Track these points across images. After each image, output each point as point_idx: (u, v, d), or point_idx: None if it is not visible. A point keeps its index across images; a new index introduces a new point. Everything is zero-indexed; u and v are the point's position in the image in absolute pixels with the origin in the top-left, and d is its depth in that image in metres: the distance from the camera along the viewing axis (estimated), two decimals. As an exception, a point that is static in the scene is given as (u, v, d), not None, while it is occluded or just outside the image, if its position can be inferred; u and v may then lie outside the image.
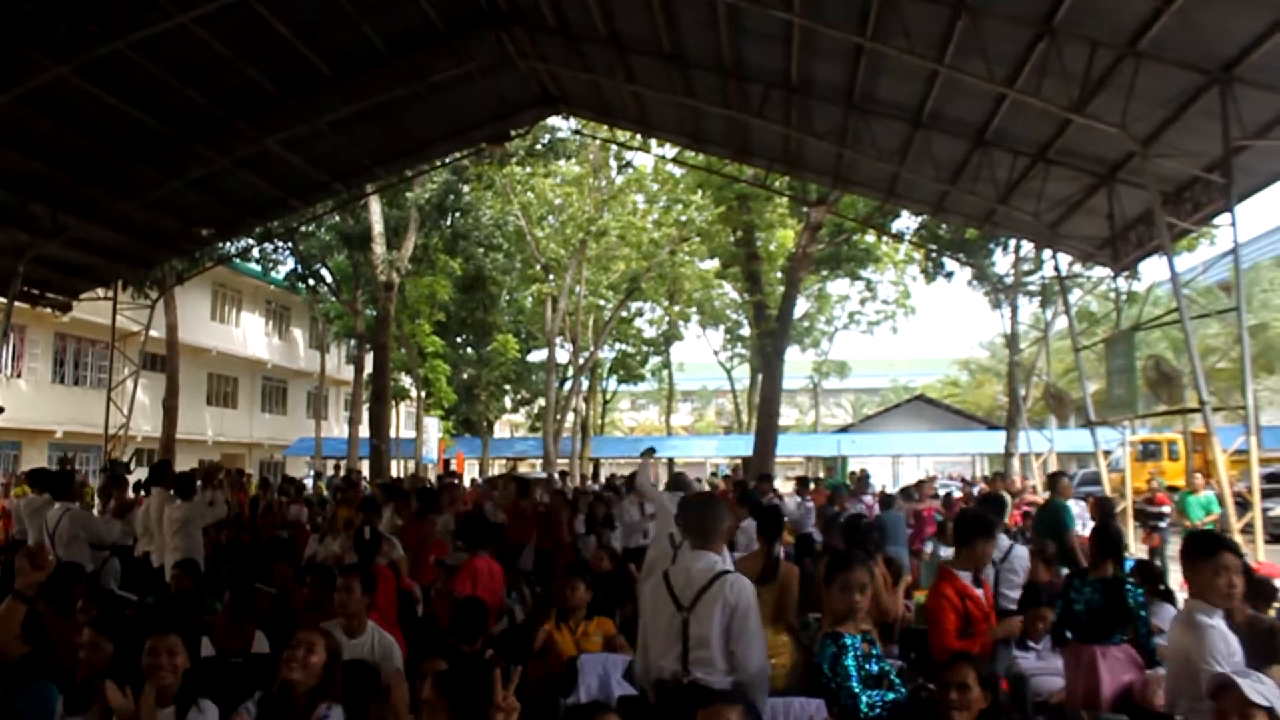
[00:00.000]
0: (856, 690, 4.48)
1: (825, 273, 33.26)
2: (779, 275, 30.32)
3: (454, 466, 28.64)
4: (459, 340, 37.94)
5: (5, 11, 10.63)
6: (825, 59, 12.09)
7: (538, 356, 42.86)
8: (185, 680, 4.17)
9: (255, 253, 32.61)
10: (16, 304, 17.61)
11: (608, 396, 56.72)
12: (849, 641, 4.59)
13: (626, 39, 13.57)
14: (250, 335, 40.01)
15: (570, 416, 39.15)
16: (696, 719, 3.62)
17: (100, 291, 20.38)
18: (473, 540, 7.63)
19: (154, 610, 6.62)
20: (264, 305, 41.29)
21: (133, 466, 20.58)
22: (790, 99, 13.55)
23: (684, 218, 32.31)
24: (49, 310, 20.79)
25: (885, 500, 14.29)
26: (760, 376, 34.25)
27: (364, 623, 5.54)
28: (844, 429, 51.75)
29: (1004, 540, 7.31)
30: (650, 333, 49.01)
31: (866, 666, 4.57)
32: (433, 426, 33.36)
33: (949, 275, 29.30)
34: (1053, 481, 12.00)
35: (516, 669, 3.67)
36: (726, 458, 44.01)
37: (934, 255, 27.80)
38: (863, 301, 44.28)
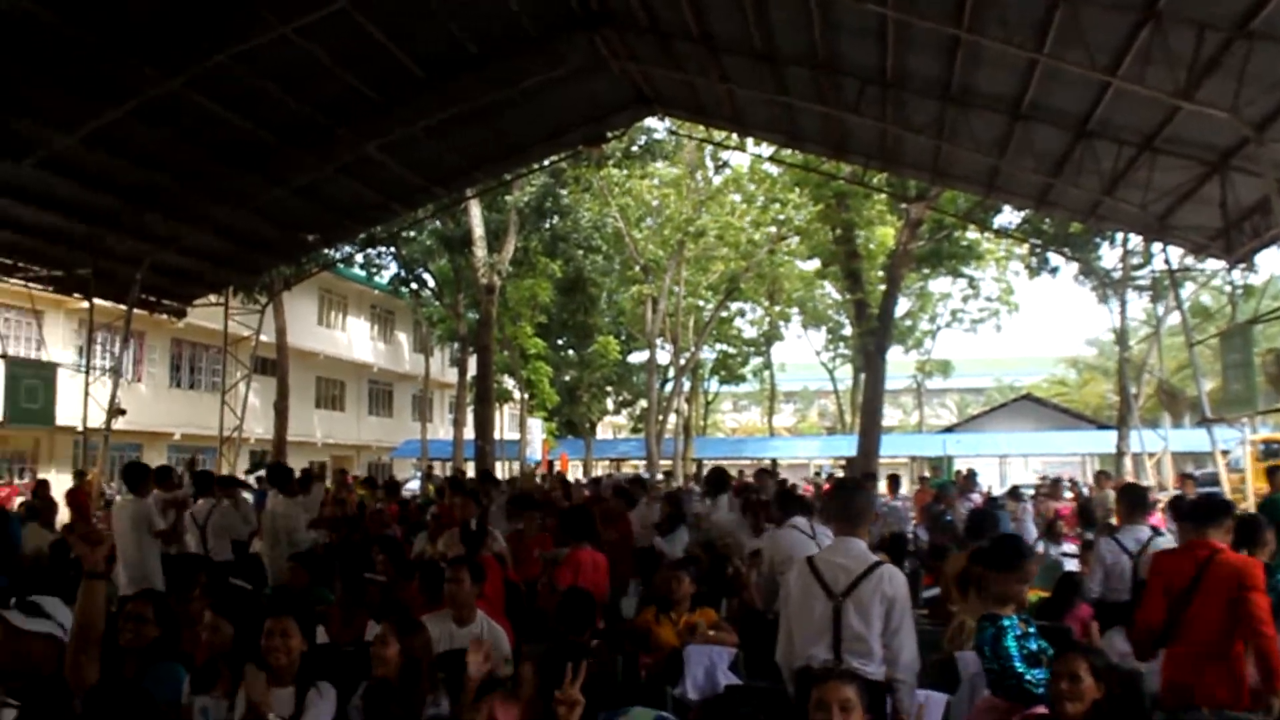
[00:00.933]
0: (1020, 669, 4.53)
1: (926, 270, 32.83)
2: (879, 273, 30.02)
3: (558, 468, 28.99)
4: (559, 342, 38.38)
5: (119, 28, 11.14)
6: (920, 52, 11.94)
7: (638, 358, 43.14)
8: (303, 664, 4.36)
9: (359, 258, 33.42)
10: (135, 310, 18.38)
11: (709, 398, 56.68)
12: (1007, 623, 4.65)
13: (718, 38, 13.56)
14: (356, 339, 41.05)
15: (672, 418, 39.23)
16: (811, 695, 3.64)
17: (212, 297, 21.14)
18: (576, 533, 7.76)
19: (270, 598, 6.89)
20: (369, 310, 42.34)
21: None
22: (886, 93, 13.40)
23: (782, 216, 32.16)
24: (165, 316, 21.64)
25: (991, 502, 14.16)
26: (863, 376, 33.95)
27: (473, 612, 5.71)
28: (949, 429, 50.91)
29: (1144, 530, 7.36)
30: (751, 333, 48.91)
31: (1026, 645, 4.63)
32: (536, 428, 33.79)
33: (1054, 271, 28.58)
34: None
35: (583, 662, 3.72)
36: (830, 458, 43.67)
37: (1038, 250, 27.21)
38: (965, 299, 43.57)
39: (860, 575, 4.42)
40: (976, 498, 14.82)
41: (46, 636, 3.73)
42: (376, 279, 37.36)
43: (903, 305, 41.44)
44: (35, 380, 16.76)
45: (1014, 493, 15.82)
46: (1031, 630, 4.72)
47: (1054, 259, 27.30)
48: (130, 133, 13.12)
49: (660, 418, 36.79)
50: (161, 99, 12.19)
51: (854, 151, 17.16)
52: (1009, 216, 25.79)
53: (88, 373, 18.05)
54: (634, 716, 3.34)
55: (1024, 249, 29.48)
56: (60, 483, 19.69)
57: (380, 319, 43.59)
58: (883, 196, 25.78)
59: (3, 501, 20.20)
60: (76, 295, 18.87)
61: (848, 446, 37.87)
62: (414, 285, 34.72)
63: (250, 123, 13.79)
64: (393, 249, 31.43)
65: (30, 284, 17.50)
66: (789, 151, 23.72)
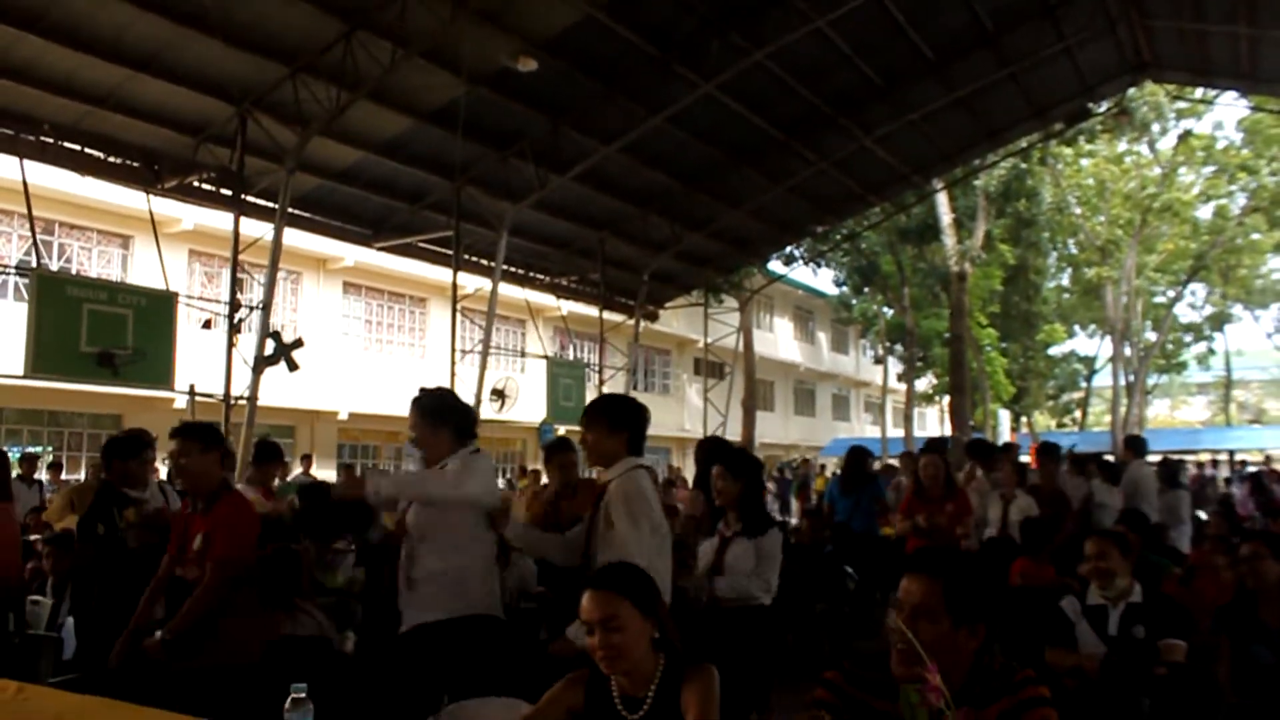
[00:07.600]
0: None
1: None
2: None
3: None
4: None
5: (665, 33, 11.69)
6: None
7: (1059, 350, 40.57)
8: None
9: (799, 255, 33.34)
10: (607, 315, 19.22)
11: (1148, 388, 52.09)
12: None
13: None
14: (781, 340, 41.58)
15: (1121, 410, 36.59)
16: None
17: (682, 299, 21.92)
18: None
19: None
20: (792, 310, 42.73)
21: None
22: None
23: (1255, 184, 29.04)
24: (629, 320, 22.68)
25: None
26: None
27: None
28: None
29: None
30: (1192, 318, 44.45)
31: None
32: (1005, 419, 32.59)
33: None
34: None
35: None
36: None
37: None
38: None
39: None
40: None
41: None
42: (819, 276, 37.41)
43: None
44: (570, 379, 17.94)
45: None
46: None
47: None
48: (647, 137, 13.75)
49: (1125, 409, 34.45)
50: (689, 103, 12.77)
51: None
52: None
53: (601, 373, 19.21)
54: None
55: None
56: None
57: (801, 319, 43.94)
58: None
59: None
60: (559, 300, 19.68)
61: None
62: (857, 280, 33.95)
63: (761, 119, 14.19)
64: (845, 245, 30.76)
65: (556, 293, 18.75)
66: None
